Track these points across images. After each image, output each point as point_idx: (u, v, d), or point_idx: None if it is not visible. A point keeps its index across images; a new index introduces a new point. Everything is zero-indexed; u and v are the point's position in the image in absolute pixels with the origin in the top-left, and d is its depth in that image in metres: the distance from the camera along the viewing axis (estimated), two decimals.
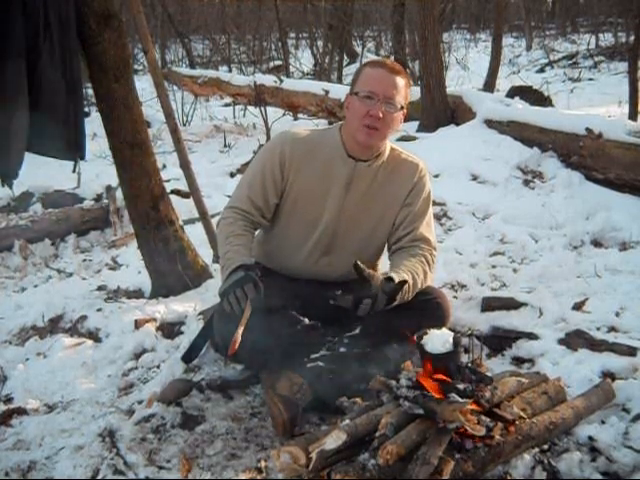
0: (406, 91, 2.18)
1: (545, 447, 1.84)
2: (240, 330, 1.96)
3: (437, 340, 1.80)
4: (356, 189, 2.25)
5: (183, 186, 4.01)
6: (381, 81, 2.13)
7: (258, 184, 2.27)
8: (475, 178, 4.53)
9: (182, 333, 2.70)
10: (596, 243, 3.61)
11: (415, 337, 1.86)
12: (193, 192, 3.17)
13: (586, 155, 4.30)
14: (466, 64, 12.55)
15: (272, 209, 2.30)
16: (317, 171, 2.24)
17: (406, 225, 2.28)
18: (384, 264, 2.44)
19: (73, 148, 2.70)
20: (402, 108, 2.17)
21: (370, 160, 2.23)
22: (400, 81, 2.15)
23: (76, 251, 4.14)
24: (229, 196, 5.08)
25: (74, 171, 2.81)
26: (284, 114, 7.67)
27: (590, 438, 1.90)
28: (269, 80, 7.62)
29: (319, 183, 2.24)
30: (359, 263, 1.98)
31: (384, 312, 2.19)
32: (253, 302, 2.03)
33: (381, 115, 2.10)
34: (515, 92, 7.17)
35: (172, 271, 3.05)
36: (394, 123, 2.17)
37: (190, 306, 2.88)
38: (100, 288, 3.27)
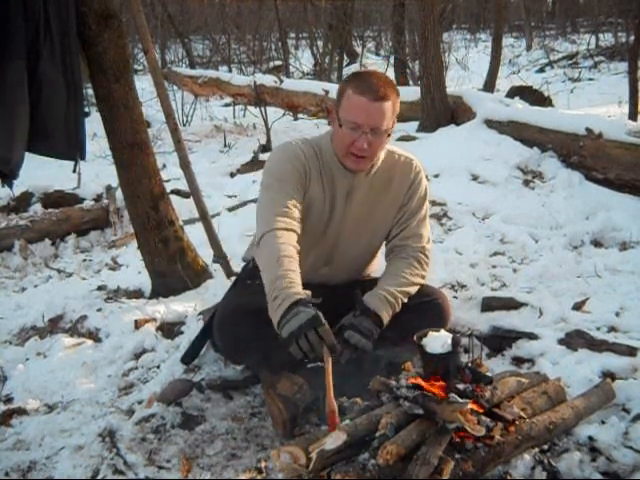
0: (394, 109, 2.08)
1: (545, 447, 1.84)
2: (331, 394, 1.75)
3: (436, 341, 1.80)
4: (356, 199, 2.23)
5: (183, 186, 4.01)
6: (364, 112, 2.03)
7: (293, 192, 2.10)
8: (475, 178, 4.52)
9: (182, 333, 2.70)
10: (596, 243, 3.61)
11: (415, 338, 1.86)
12: (193, 192, 3.17)
13: (586, 155, 4.30)
14: (466, 64, 12.55)
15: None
16: (322, 185, 2.21)
17: (401, 223, 2.28)
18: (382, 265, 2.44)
19: (73, 148, 2.70)
20: (387, 131, 2.09)
21: (366, 170, 2.21)
22: (386, 105, 2.04)
23: (76, 251, 4.15)
24: (229, 196, 5.09)
25: (74, 171, 2.81)
26: (284, 114, 7.68)
27: (590, 438, 1.90)
28: (269, 80, 7.62)
29: (324, 196, 2.22)
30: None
31: None
32: (331, 349, 1.78)
33: (366, 146, 2.05)
34: (515, 92, 7.17)
35: (172, 271, 3.05)
36: (382, 146, 2.13)
37: (190, 306, 2.88)
38: (100, 288, 3.27)
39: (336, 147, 2.16)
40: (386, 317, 2.08)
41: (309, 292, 1.87)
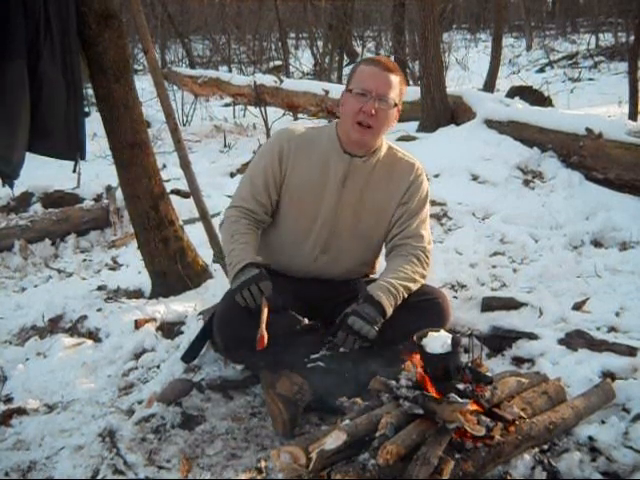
0: (401, 88, 2.20)
1: (545, 447, 1.84)
2: (263, 326, 1.99)
3: (436, 341, 1.81)
4: (352, 185, 2.26)
5: (183, 186, 4.01)
6: (375, 78, 2.14)
7: (260, 182, 2.29)
8: (475, 178, 4.53)
9: (182, 333, 2.70)
10: (596, 243, 3.62)
11: (415, 338, 1.86)
12: (193, 192, 3.17)
13: (586, 155, 4.30)
14: (466, 64, 12.54)
15: (274, 205, 2.33)
16: (313, 166, 2.26)
17: (401, 223, 2.29)
18: (382, 265, 2.44)
19: (73, 148, 2.70)
20: (396, 105, 2.18)
21: (366, 156, 2.25)
22: (394, 78, 2.16)
23: (76, 251, 4.14)
24: (229, 196, 5.08)
25: (74, 171, 2.81)
26: (284, 114, 7.68)
27: (590, 438, 1.90)
28: (269, 80, 7.62)
29: (316, 178, 2.26)
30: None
31: None
32: (268, 300, 2.08)
33: (374, 112, 2.12)
34: (515, 92, 7.16)
35: (172, 271, 3.05)
36: (388, 120, 2.19)
37: (190, 306, 2.88)
38: (100, 288, 3.27)
39: (343, 123, 2.22)
40: (389, 307, 2.08)
41: (259, 258, 2.21)
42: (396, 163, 2.31)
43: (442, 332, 1.84)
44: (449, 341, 1.79)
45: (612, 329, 2.57)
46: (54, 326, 2.90)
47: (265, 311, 2.04)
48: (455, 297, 2.86)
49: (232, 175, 5.69)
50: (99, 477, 1.88)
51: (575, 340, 2.42)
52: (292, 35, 16.34)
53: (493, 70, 8.48)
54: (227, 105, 9.63)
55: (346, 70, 11.85)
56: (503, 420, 1.74)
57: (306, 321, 2.13)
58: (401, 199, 2.29)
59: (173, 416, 2.14)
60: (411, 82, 9.66)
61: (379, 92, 2.12)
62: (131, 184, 2.94)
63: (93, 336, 2.78)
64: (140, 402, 2.25)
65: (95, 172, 5.26)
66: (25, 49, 2.44)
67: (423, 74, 6.20)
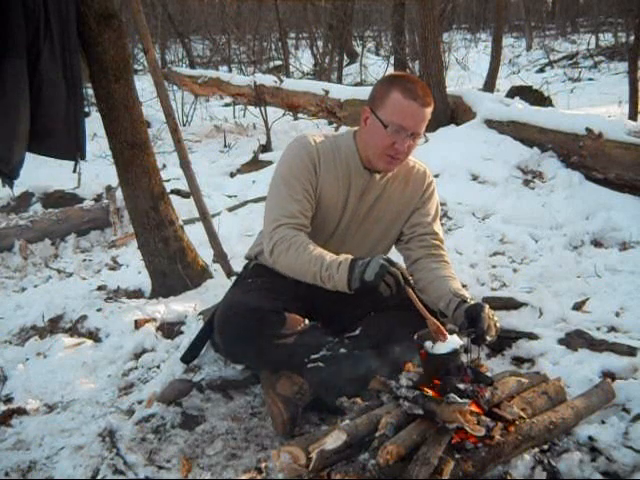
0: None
1: (545, 447, 1.84)
2: (427, 314, 1.87)
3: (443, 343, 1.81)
4: (368, 200, 2.25)
5: (183, 186, 4.02)
6: (413, 117, 2.07)
7: (302, 197, 2.16)
8: (475, 178, 4.52)
9: (182, 333, 2.70)
10: (596, 243, 3.62)
11: (415, 337, 1.86)
12: (193, 192, 3.17)
13: (586, 155, 4.30)
14: (466, 64, 12.54)
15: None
16: (337, 180, 2.22)
17: (415, 224, 2.30)
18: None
19: (73, 148, 2.70)
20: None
21: (390, 171, 2.24)
22: (429, 111, 2.11)
23: (76, 251, 4.15)
24: (229, 196, 5.09)
25: (74, 171, 2.82)
26: (284, 114, 7.68)
27: (590, 438, 1.89)
28: (269, 80, 7.62)
29: (338, 192, 2.23)
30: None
31: (384, 313, 2.21)
32: (408, 282, 1.90)
33: (406, 149, 2.10)
34: (515, 92, 7.15)
35: (172, 271, 3.05)
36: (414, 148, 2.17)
37: (190, 306, 2.88)
38: (100, 288, 3.27)
39: (368, 146, 2.16)
40: None
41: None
42: (410, 172, 2.30)
43: (455, 336, 1.84)
44: (456, 343, 1.80)
45: (612, 329, 2.57)
46: (54, 326, 2.90)
47: (414, 295, 1.89)
48: None
49: (232, 175, 5.70)
50: (99, 477, 1.88)
51: (575, 340, 2.42)
52: (292, 35, 16.35)
53: (493, 70, 8.48)
54: (227, 105, 9.65)
55: (346, 70, 11.86)
56: (503, 420, 1.74)
57: (306, 321, 2.13)
58: (416, 205, 2.31)
59: (173, 416, 2.14)
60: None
61: (415, 129, 2.08)
62: (131, 184, 2.94)
63: (93, 336, 2.78)
64: (140, 402, 2.25)
65: (95, 172, 5.27)
66: (25, 49, 2.44)
67: (423, 74, 6.19)
